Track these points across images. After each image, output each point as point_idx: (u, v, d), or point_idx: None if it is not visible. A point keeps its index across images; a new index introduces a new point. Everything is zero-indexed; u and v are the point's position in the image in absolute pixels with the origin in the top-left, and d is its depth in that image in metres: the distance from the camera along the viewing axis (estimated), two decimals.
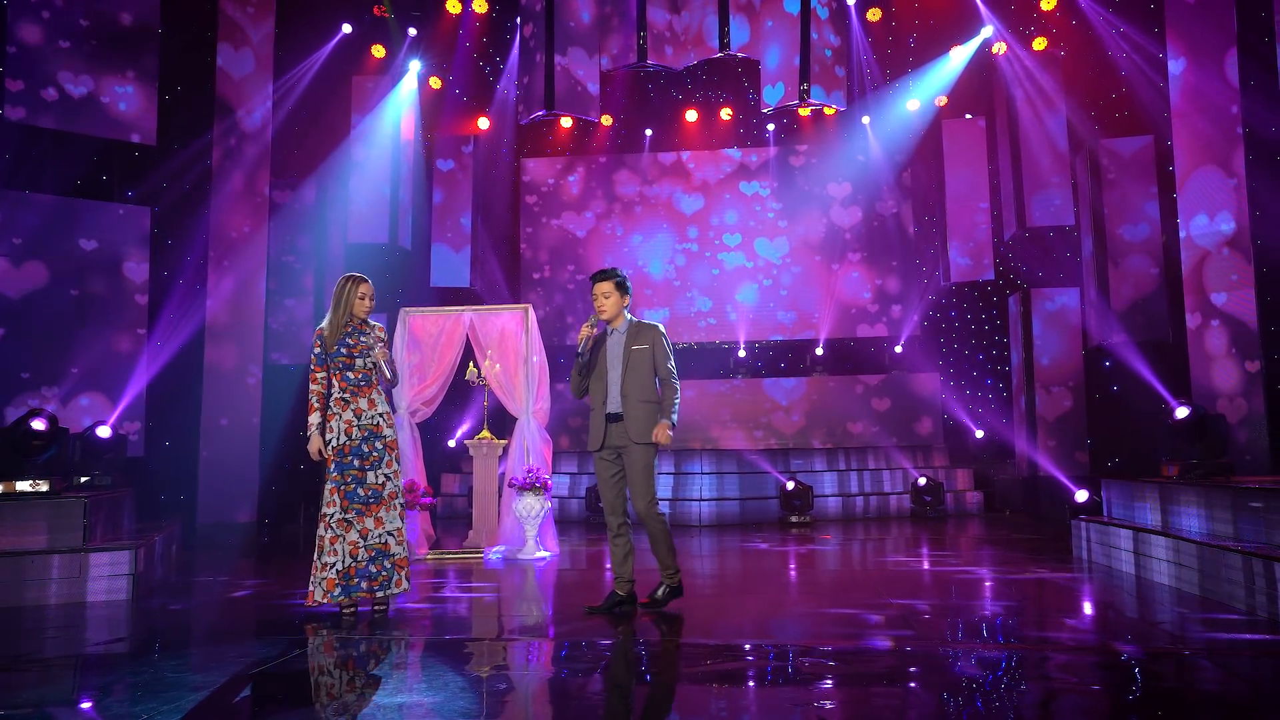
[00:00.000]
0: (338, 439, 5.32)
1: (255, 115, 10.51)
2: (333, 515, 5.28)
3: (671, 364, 5.57)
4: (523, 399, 8.45)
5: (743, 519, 11.43)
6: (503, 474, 8.90)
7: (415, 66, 12.57)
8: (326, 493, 5.30)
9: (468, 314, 8.68)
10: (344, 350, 5.38)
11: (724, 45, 11.04)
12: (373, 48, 12.41)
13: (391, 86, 12.35)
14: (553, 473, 9.26)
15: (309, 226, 11.69)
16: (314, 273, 11.66)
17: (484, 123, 14.10)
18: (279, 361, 11.22)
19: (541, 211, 15.25)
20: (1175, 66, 9.26)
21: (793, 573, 7.39)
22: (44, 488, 6.56)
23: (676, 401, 5.53)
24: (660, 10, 11.82)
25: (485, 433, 8.69)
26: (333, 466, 5.30)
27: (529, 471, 8.16)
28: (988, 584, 6.45)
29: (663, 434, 5.43)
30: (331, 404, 5.37)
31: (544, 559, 8.10)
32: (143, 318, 9.54)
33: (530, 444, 8.43)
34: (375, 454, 5.39)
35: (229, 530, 10.01)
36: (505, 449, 8.71)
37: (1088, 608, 5.69)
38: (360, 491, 5.33)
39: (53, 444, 6.92)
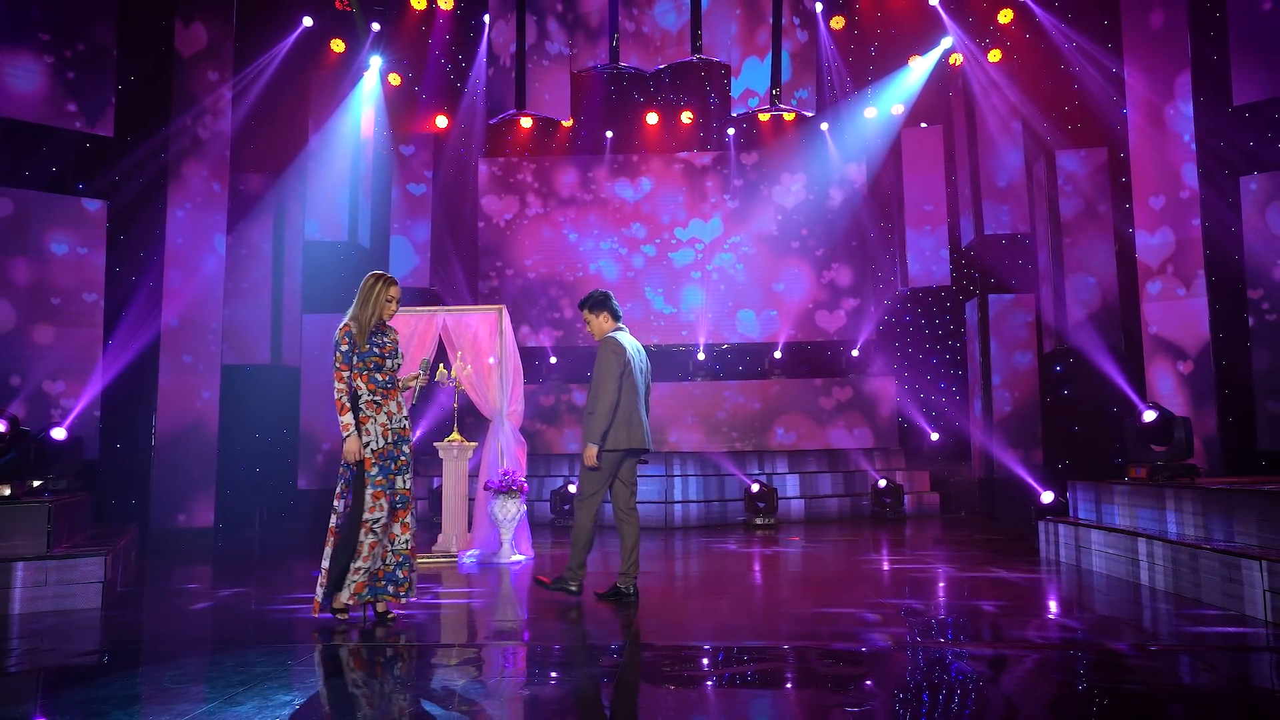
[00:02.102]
0: (375, 442, 5.14)
1: (215, 109, 10.23)
2: (378, 520, 5.11)
3: (598, 381, 5.75)
4: (496, 401, 8.36)
5: (707, 521, 11.48)
6: (470, 475, 8.81)
7: (376, 63, 12.37)
8: (369, 497, 5.08)
9: (441, 314, 8.56)
10: (375, 350, 5.21)
11: (696, 49, 11.09)
12: (332, 42, 12.19)
13: (353, 82, 12.15)
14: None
15: (268, 224, 11.42)
16: (272, 271, 11.39)
17: (443, 121, 13.94)
18: (236, 362, 10.94)
19: (501, 211, 15.13)
20: (1131, 82, 9.59)
21: (782, 574, 7.45)
22: (6, 492, 6.29)
23: (592, 420, 5.72)
24: (633, 11, 11.84)
25: (455, 435, 8.57)
26: (375, 470, 5.11)
27: (505, 474, 8.08)
28: (974, 584, 6.58)
29: (584, 456, 5.80)
30: (362, 406, 5.14)
31: (519, 562, 8.03)
32: (97, 316, 9.21)
33: (505, 446, 8.35)
34: (404, 458, 5.26)
35: (184, 535, 9.72)
36: (474, 451, 8.63)
37: (1072, 607, 5.85)
38: (393, 496, 5.20)
39: (13, 447, 6.64)
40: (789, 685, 3.99)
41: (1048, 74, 11.33)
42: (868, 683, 3.95)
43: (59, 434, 7.73)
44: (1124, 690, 3.86)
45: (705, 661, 4.40)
